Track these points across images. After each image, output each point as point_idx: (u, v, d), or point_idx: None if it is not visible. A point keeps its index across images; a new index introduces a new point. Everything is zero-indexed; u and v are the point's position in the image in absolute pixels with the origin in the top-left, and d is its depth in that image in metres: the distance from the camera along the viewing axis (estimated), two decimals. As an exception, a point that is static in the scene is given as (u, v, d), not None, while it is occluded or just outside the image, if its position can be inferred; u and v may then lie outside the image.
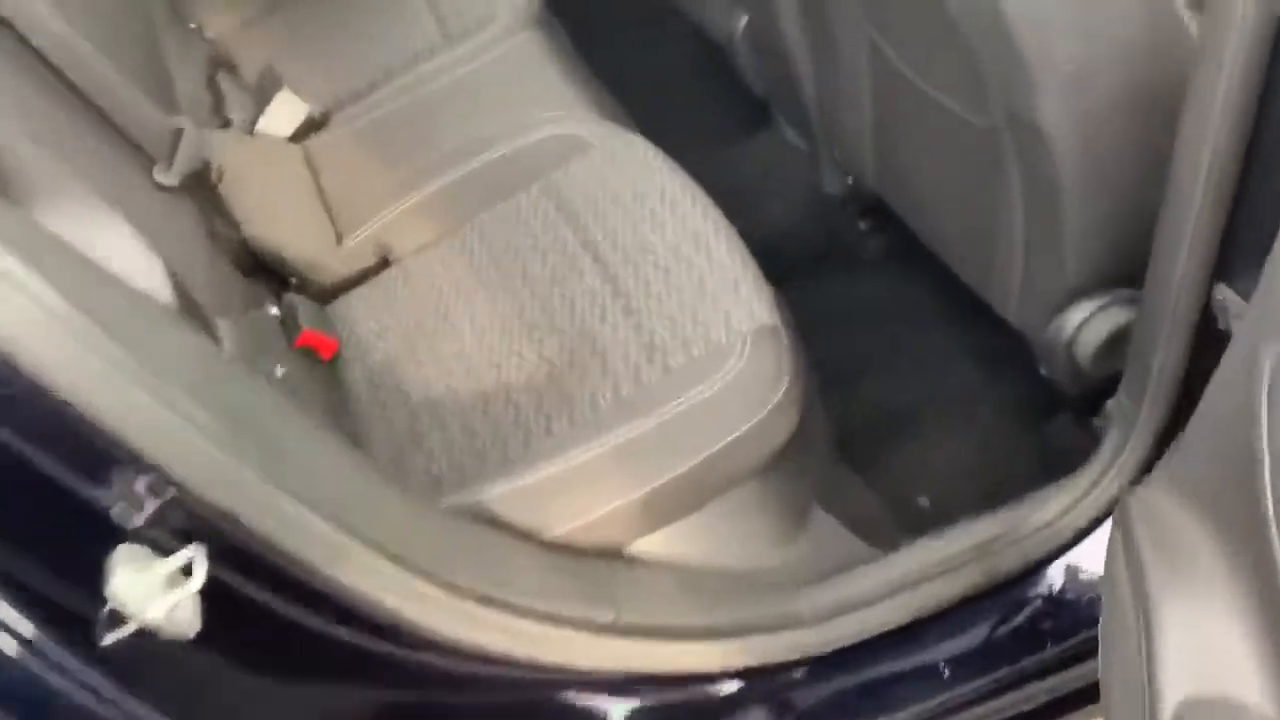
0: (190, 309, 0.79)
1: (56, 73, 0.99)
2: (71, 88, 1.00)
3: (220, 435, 0.64)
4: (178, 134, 1.11)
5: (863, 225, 1.60)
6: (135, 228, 0.88)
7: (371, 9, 1.62)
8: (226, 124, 1.47)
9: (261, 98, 1.52)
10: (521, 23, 1.51)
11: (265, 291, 1.23)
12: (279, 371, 0.95)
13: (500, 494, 0.96)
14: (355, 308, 1.25)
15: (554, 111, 1.37)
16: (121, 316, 0.65)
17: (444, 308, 1.21)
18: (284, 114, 1.50)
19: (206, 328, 0.83)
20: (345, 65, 1.55)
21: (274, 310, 1.21)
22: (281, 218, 1.32)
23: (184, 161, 1.10)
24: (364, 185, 1.37)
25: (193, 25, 1.69)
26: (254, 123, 1.48)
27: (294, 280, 1.28)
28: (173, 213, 1.09)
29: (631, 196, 1.23)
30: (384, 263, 1.31)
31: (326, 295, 1.29)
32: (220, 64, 1.60)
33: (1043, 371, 1.26)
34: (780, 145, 1.68)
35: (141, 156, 1.08)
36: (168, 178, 1.09)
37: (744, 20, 1.58)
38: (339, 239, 1.32)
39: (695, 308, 1.10)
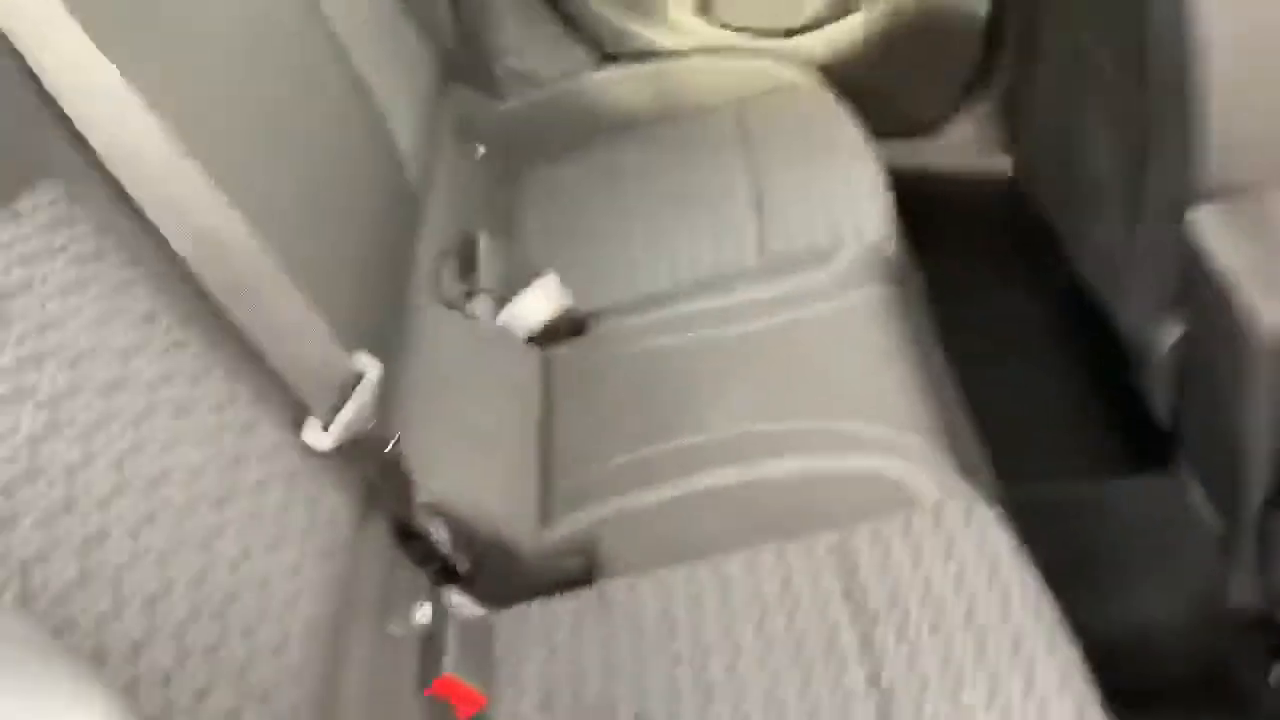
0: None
1: (180, 268, 0.69)
2: (197, 291, 0.70)
3: None
4: (355, 380, 0.80)
5: (1274, 669, 1.09)
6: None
7: (692, 190, 1.27)
8: (468, 296, 1.17)
9: (519, 273, 1.22)
10: (868, 271, 1.12)
11: (419, 580, 0.90)
12: None
13: None
14: (527, 637, 0.89)
15: (877, 425, 0.96)
16: None
17: (638, 692, 0.83)
18: (540, 303, 1.18)
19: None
20: (630, 257, 1.22)
21: (423, 613, 0.87)
22: (479, 464, 0.98)
23: (353, 422, 0.79)
24: (597, 447, 1.02)
25: (481, 149, 1.42)
26: (498, 302, 1.18)
27: (463, 566, 0.93)
28: (312, 479, 0.77)
29: (960, 609, 0.81)
30: (586, 575, 0.94)
31: (502, 594, 0.94)
32: (492, 210, 1.31)
33: None
34: (1177, 505, 1.19)
35: (290, 402, 0.77)
36: (323, 440, 0.78)
37: (1176, 334, 1.12)
38: (543, 519, 0.97)
39: None
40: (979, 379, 1.20)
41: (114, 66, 0.64)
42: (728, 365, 1.07)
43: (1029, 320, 1.45)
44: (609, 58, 1.52)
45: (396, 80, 1.22)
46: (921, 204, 1.30)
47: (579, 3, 1.51)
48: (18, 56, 0.61)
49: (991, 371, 1.24)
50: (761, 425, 0.99)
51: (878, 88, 1.45)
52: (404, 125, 1.17)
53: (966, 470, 0.99)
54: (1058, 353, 1.41)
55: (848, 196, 1.20)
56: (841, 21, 1.49)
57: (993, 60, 1.54)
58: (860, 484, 0.92)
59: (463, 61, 1.46)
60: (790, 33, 1.49)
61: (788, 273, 1.13)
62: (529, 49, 1.48)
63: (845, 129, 1.30)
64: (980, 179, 1.61)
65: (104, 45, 0.65)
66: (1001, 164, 1.60)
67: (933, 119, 1.56)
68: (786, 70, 1.41)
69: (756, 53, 1.46)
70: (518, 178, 1.40)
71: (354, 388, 0.80)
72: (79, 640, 0.55)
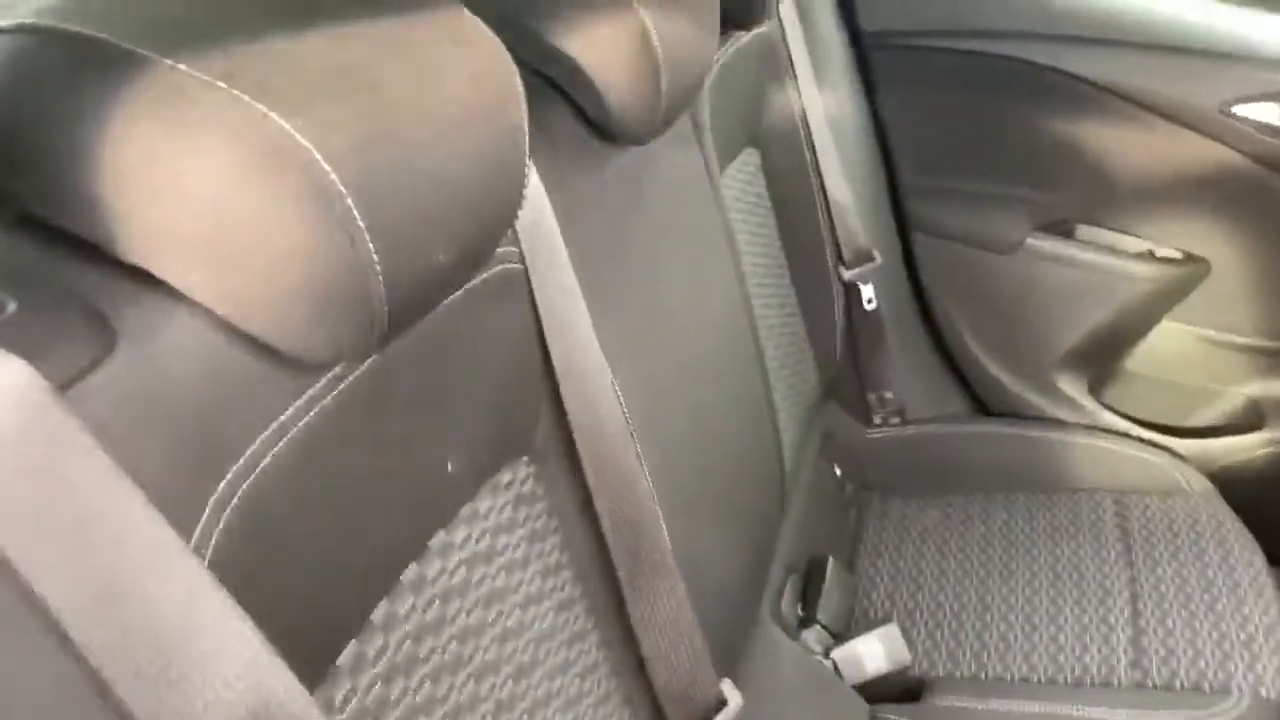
0: None
1: (599, 556, 0.70)
2: (606, 579, 0.71)
3: None
4: (715, 706, 0.78)
5: None
6: None
7: (1061, 575, 1.19)
8: (803, 624, 1.14)
9: (859, 609, 1.17)
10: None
11: None
12: None
13: None
14: None
15: None
16: None
17: None
18: (878, 654, 1.13)
19: None
20: (981, 628, 1.14)
21: None
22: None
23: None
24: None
25: (838, 469, 1.42)
26: (834, 637, 1.14)
27: None
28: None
29: None
30: None
31: None
32: (840, 535, 1.29)
33: None
34: None
35: (652, 714, 0.75)
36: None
37: None
38: None
39: None
40: None
41: (611, 375, 0.69)
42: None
43: None
44: (985, 411, 1.51)
45: (788, 385, 1.25)
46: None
47: (963, 353, 1.52)
48: (543, 345, 0.67)
49: None
50: None
51: (1278, 510, 1.33)
52: (786, 432, 1.19)
53: None
54: None
55: (1243, 634, 1.08)
56: (1246, 435, 1.40)
57: None
58: None
59: (838, 383, 1.49)
60: (1186, 432, 1.42)
61: (1163, 706, 1.02)
62: (907, 387, 1.49)
63: (1245, 552, 1.19)
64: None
65: (607, 350, 0.70)
66: None
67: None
68: (1180, 470, 1.33)
69: (1146, 443, 1.39)
70: (869, 506, 1.38)
71: (715, 713, 0.77)
72: None
